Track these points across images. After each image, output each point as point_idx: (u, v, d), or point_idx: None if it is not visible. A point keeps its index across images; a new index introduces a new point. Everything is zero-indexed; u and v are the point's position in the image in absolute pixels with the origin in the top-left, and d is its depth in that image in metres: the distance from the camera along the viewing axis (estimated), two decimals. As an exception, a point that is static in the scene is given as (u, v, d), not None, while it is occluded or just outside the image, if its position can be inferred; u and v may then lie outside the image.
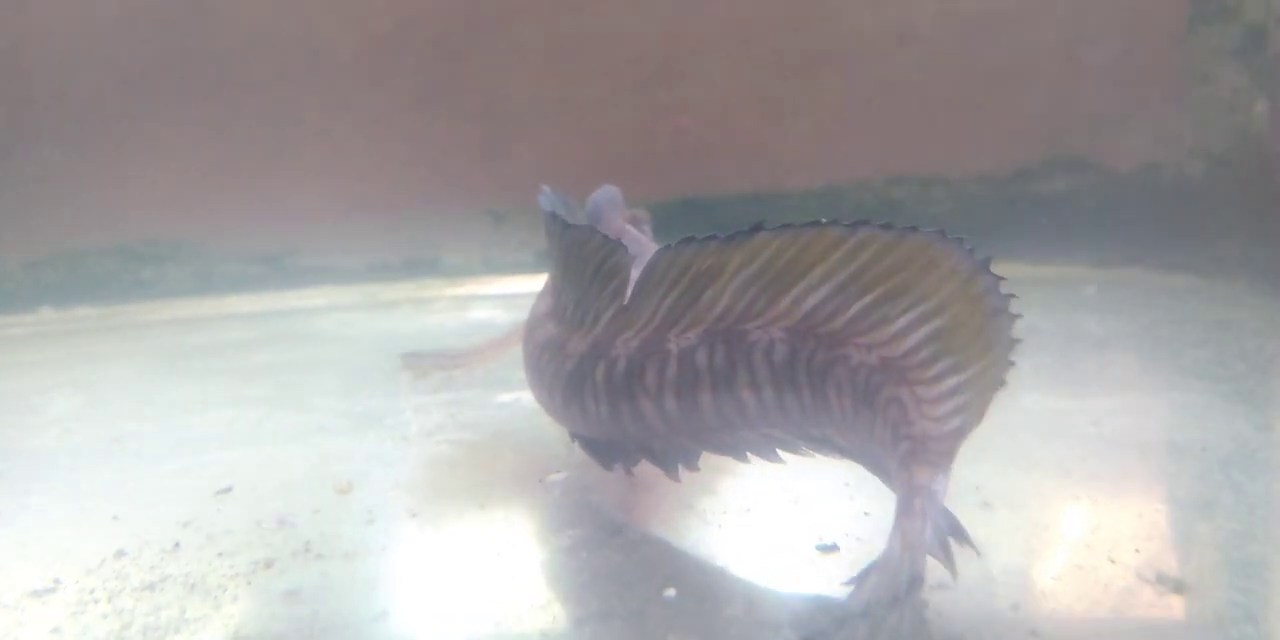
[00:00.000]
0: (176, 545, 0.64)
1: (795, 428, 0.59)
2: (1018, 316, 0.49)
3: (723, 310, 0.57)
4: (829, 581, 0.54)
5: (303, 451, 0.83)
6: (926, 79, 1.57)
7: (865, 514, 0.63)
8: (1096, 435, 0.79)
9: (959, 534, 0.50)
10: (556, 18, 1.59)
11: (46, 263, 1.59)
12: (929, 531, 0.48)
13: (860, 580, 0.49)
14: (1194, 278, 1.42)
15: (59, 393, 1.07)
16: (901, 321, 0.51)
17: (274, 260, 1.63)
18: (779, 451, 0.61)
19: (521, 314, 0.82)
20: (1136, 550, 0.58)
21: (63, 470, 0.82)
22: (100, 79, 1.55)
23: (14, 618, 0.55)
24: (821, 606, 0.52)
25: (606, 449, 0.65)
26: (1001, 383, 0.50)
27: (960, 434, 0.51)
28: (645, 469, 0.65)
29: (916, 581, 0.45)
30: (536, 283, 0.82)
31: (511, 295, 1.45)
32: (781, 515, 0.65)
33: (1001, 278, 0.49)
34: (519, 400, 0.89)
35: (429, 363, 0.97)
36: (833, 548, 0.59)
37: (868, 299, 0.52)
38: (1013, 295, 0.49)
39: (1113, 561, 0.57)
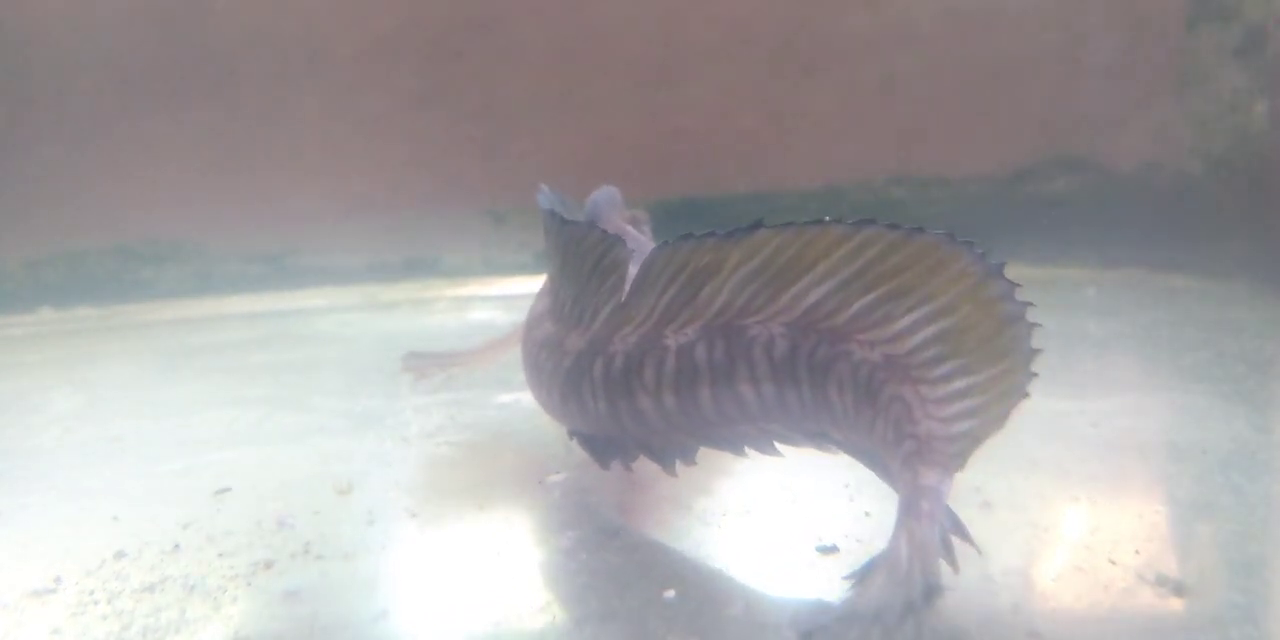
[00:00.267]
0: (176, 546, 0.64)
1: (794, 423, 0.59)
2: (1036, 325, 0.49)
3: (721, 306, 0.57)
4: (829, 583, 0.54)
5: (303, 452, 0.83)
6: (926, 79, 1.58)
7: (866, 514, 0.63)
8: (1096, 436, 0.79)
9: (961, 532, 0.50)
10: (556, 18, 1.59)
11: (46, 263, 1.59)
12: (937, 535, 0.48)
13: (862, 576, 0.49)
14: (1194, 278, 1.42)
15: (59, 392, 1.07)
16: (906, 320, 0.51)
17: (274, 260, 1.63)
18: (777, 445, 0.61)
19: (522, 314, 0.82)
20: (1136, 551, 0.58)
21: (63, 470, 0.82)
22: (100, 79, 1.56)
23: (14, 618, 0.55)
24: (822, 607, 0.52)
25: (605, 446, 0.65)
26: (1023, 392, 0.50)
27: (972, 437, 0.51)
28: (644, 468, 0.65)
29: (933, 591, 0.45)
30: (536, 283, 0.82)
31: (511, 296, 1.45)
32: (781, 516, 0.65)
33: (1017, 284, 0.49)
34: (519, 401, 0.89)
35: (429, 363, 0.97)
36: (832, 549, 0.59)
37: (871, 296, 0.52)
38: (1030, 303, 0.49)
39: (1112, 563, 0.57)
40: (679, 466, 0.63)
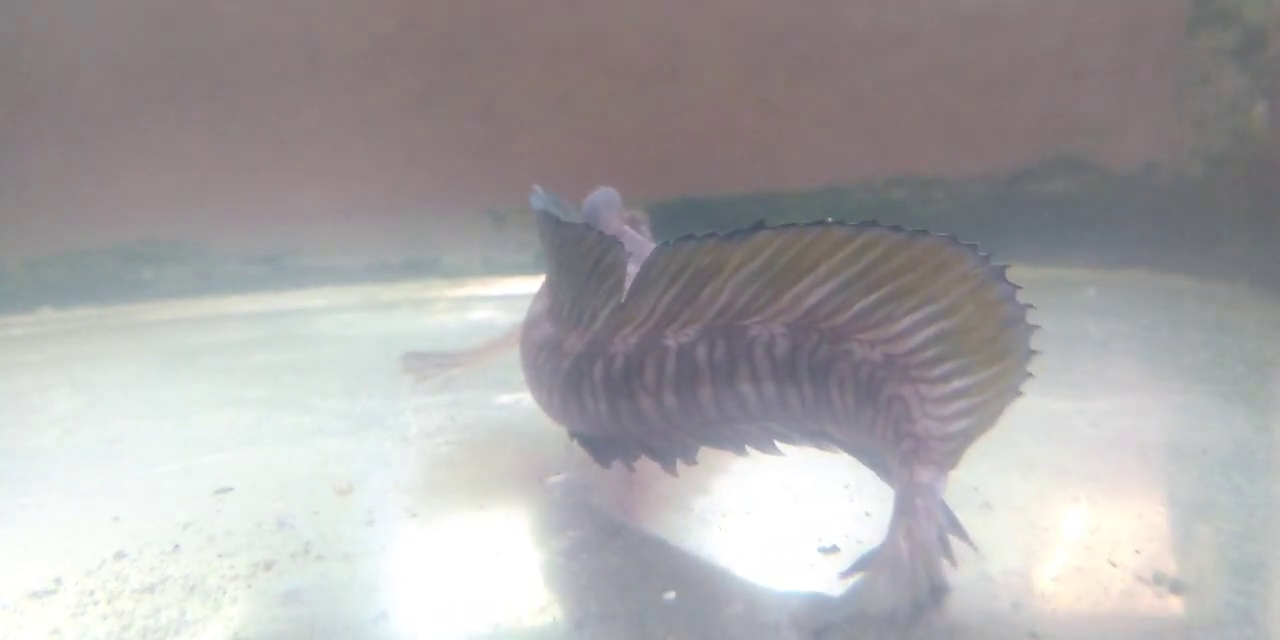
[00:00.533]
0: (176, 547, 0.64)
1: (795, 422, 0.59)
2: (1035, 328, 0.49)
3: (722, 306, 0.57)
4: (829, 583, 0.54)
5: (303, 452, 0.83)
6: (926, 80, 1.58)
7: (866, 514, 0.63)
8: (1096, 437, 0.79)
9: (956, 529, 0.50)
10: (556, 18, 1.59)
11: (46, 263, 1.59)
12: (935, 533, 0.48)
13: (858, 571, 0.49)
14: (1194, 279, 1.42)
15: (59, 393, 1.07)
16: (907, 320, 0.51)
17: (274, 260, 1.63)
18: (777, 444, 0.61)
19: (521, 315, 0.82)
20: (1136, 552, 0.58)
21: (62, 470, 0.82)
22: (100, 79, 1.55)
23: (13, 619, 0.55)
24: (828, 605, 0.52)
25: (605, 447, 0.65)
26: (1017, 392, 0.50)
27: (966, 436, 0.51)
28: (645, 468, 0.65)
29: (940, 589, 0.45)
30: (536, 283, 0.82)
31: (511, 296, 1.45)
32: (782, 517, 0.65)
33: (1018, 287, 0.49)
34: (519, 401, 0.89)
35: (428, 364, 0.97)
36: (833, 550, 0.59)
37: (873, 297, 0.52)
38: (1030, 306, 0.49)
39: (1112, 563, 0.57)
40: (680, 466, 0.64)
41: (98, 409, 1.02)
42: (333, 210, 1.62)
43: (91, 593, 0.58)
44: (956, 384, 0.51)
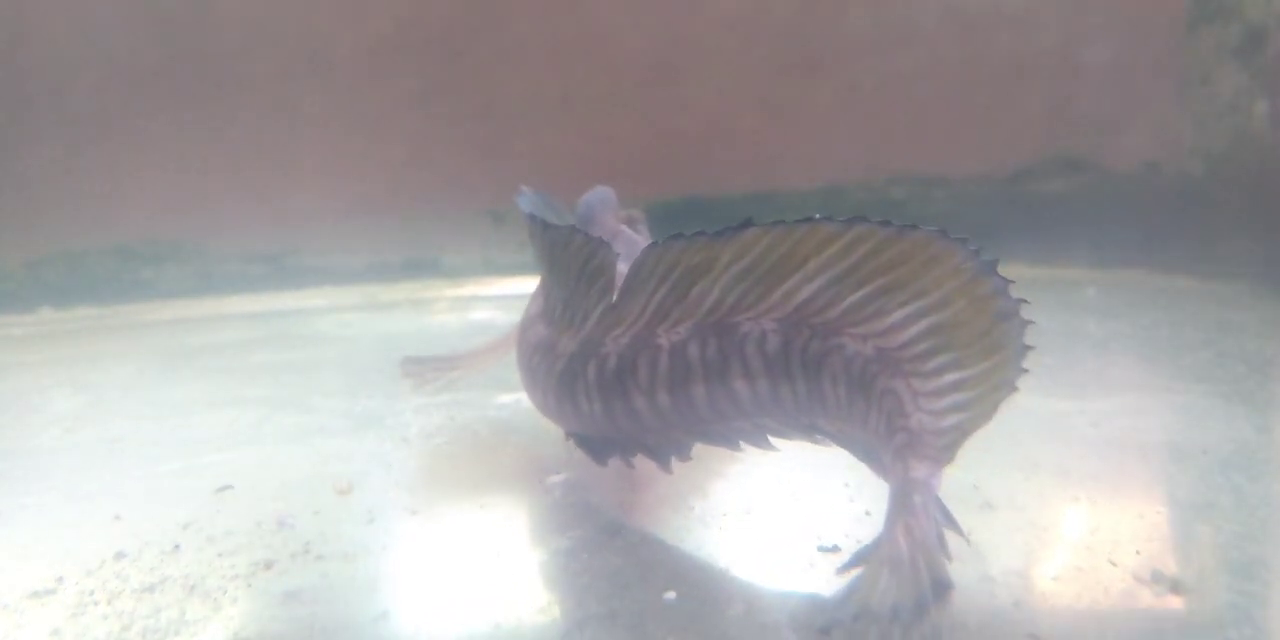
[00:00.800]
0: (176, 546, 0.64)
1: (788, 417, 0.59)
2: (1030, 323, 0.49)
3: (713, 304, 0.57)
4: (830, 583, 0.54)
5: (303, 452, 0.83)
6: (926, 79, 1.58)
7: (866, 514, 0.63)
8: (1096, 436, 0.79)
9: (952, 524, 0.51)
10: (556, 18, 1.59)
11: (47, 262, 1.59)
12: (934, 529, 0.48)
13: (855, 566, 0.49)
14: (1194, 279, 1.42)
15: (59, 392, 1.07)
16: (898, 314, 0.51)
17: (274, 260, 1.63)
18: (771, 439, 0.61)
19: (521, 314, 0.82)
20: (1137, 552, 0.58)
21: (62, 470, 0.82)
22: (100, 79, 1.55)
23: (13, 619, 0.55)
24: (833, 602, 0.52)
25: (601, 446, 0.66)
26: (1012, 387, 0.50)
27: (961, 431, 0.51)
28: (644, 467, 0.65)
29: (943, 586, 0.45)
30: (536, 283, 0.82)
31: (512, 296, 1.45)
32: (782, 516, 0.65)
33: (1011, 281, 0.49)
34: (519, 401, 0.89)
35: (427, 368, 0.97)
36: (834, 549, 0.59)
37: (863, 292, 0.52)
38: (1024, 300, 0.49)
39: (1113, 563, 0.57)
40: (677, 464, 0.64)
41: (98, 409, 1.02)
42: (333, 210, 1.62)
43: (92, 592, 0.58)
44: (949, 378, 0.51)
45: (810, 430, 0.60)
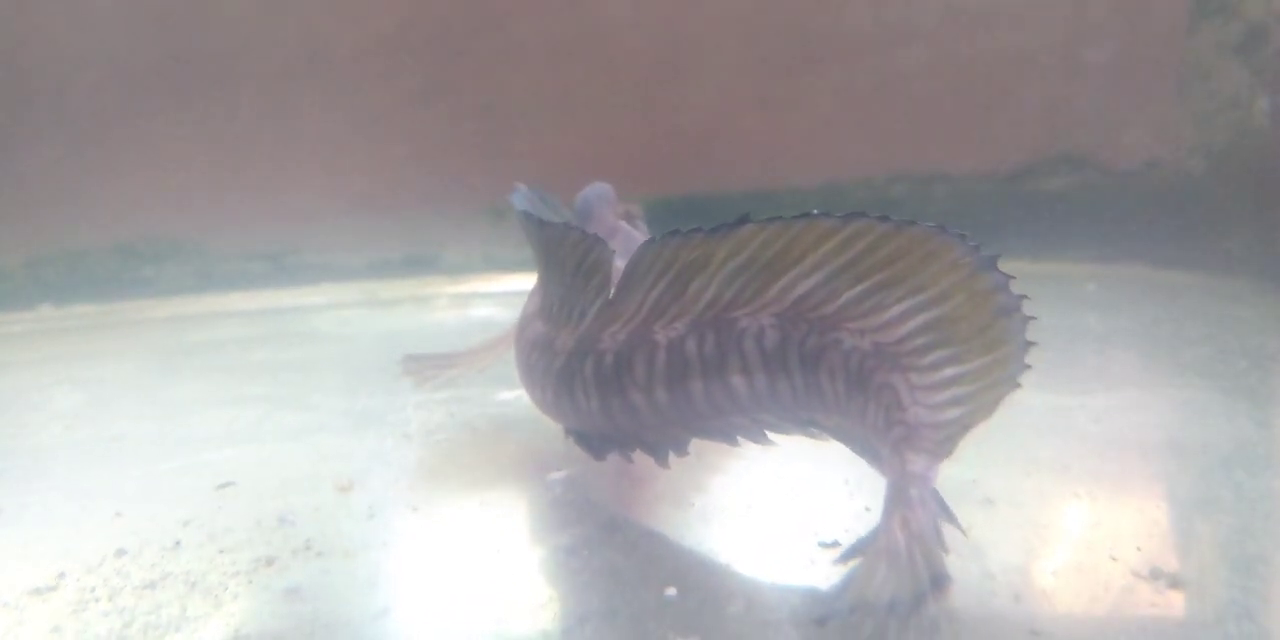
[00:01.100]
0: (177, 543, 0.64)
1: (786, 412, 0.59)
2: (1031, 319, 0.49)
3: (710, 300, 0.57)
4: (829, 579, 0.54)
5: (303, 449, 0.83)
6: (927, 76, 1.57)
7: (866, 510, 0.63)
8: (1097, 432, 0.79)
9: (948, 517, 0.51)
10: (556, 17, 1.59)
11: (47, 260, 1.59)
12: (931, 522, 0.48)
13: (851, 558, 0.49)
14: (1195, 274, 1.42)
15: (59, 390, 1.07)
16: (897, 309, 0.51)
17: (274, 258, 1.63)
18: (769, 434, 0.61)
19: (520, 311, 0.82)
20: (1137, 548, 0.58)
21: (63, 468, 0.82)
22: (100, 79, 1.55)
23: (15, 616, 0.55)
24: (831, 594, 0.52)
25: (600, 442, 0.66)
26: (1015, 383, 0.50)
27: (960, 425, 0.51)
28: (644, 463, 0.65)
29: (941, 580, 0.45)
30: (535, 280, 0.82)
31: (512, 292, 1.45)
32: (781, 512, 0.65)
33: (1011, 276, 0.49)
34: (520, 398, 0.89)
35: (427, 366, 0.97)
36: (834, 545, 0.59)
37: (861, 286, 0.52)
38: (1025, 296, 0.49)
39: (1113, 559, 0.57)
40: (677, 461, 0.64)
41: (98, 406, 1.02)
42: (333, 208, 1.62)
43: (92, 589, 0.58)
44: (948, 372, 0.51)
45: (807, 425, 0.60)
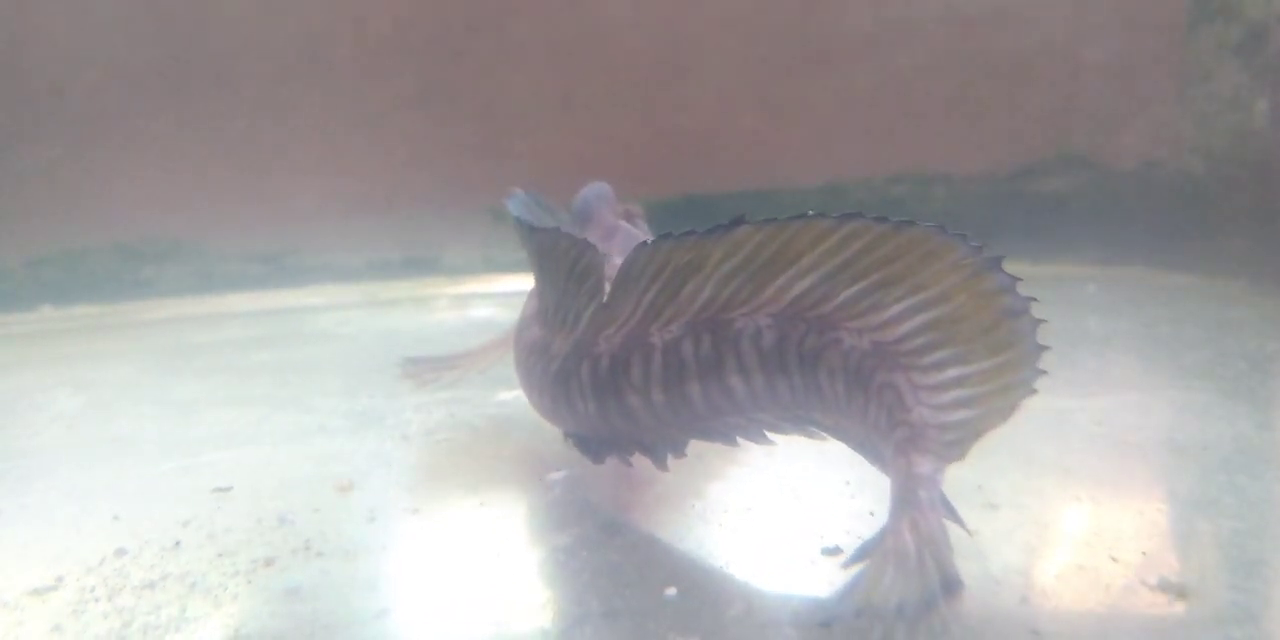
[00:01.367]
0: (177, 544, 0.64)
1: (784, 411, 0.59)
2: (1041, 321, 0.49)
3: (705, 301, 0.57)
4: (831, 581, 0.54)
5: (303, 450, 0.83)
6: (927, 77, 1.58)
7: (870, 514, 0.63)
8: (1098, 434, 0.79)
9: (954, 517, 0.50)
10: (556, 18, 1.59)
11: (47, 261, 1.59)
12: (941, 525, 0.48)
13: (859, 560, 0.49)
14: (1195, 276, 1.42)
15: (59, 391, 1.07)
16: (896, 308, 0.51)
17: (274, 259, 1.63)
18: (767, 433, 0.61)
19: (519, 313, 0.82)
20: (1139, 550, 0.58)
21: (63, 469, 0.82)
22: (100, 78, 1.55)
23: (14, 616, 0.55)
24: (836, 597, 0.52)
25: (598, 445, 0.66)
26: (1030, 389, 0.50)
27: (970, 428, 0.51)
28: (644, 465, 0.65)
29: (953, 583, 0.45)
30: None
31: (512, 293, 1.45)
32: (783, 514, 0.65)
33: (1018, 279, 0.49)
34: (519, 399, 0.89)
35: (426, 368, 0.97)
36: (836, 551, 0.59)
37: (858, 286, 0.52)
38: (1034, 298, 0.49)
39: (1115, 561, 0.57)
40: (678, 462, 0.64)
41: (98, 407, 1.02)
42: (333, 209, 1.62)
43: (92, 589, 0.58)
44: (951, 373, 0.50)
45: (806, 424, 0.60)
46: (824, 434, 0.60)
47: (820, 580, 0.56)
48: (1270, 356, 1.03)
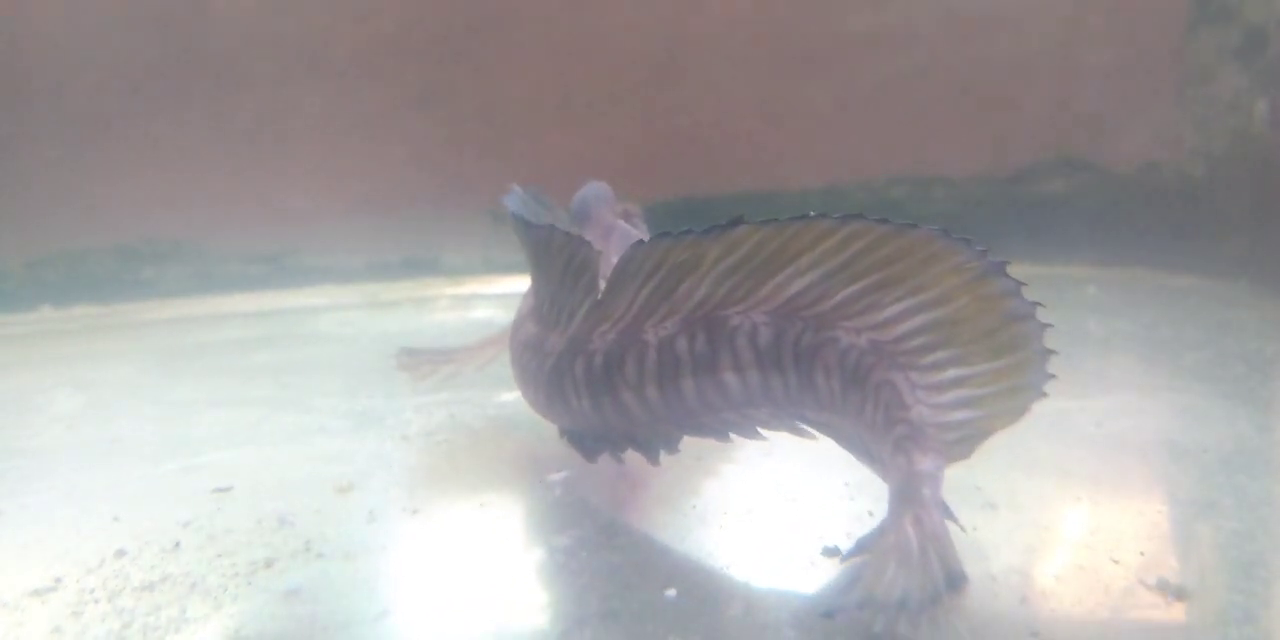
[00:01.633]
0: (177, 545, 0.64)
1: (777, 408, 0.59)
2: (1047, 325, 0.49)
3: (701, 299, 0.57)
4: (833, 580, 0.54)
5: (303, 451, 0.83)
6: (927, 79, 1.58)
7: (869, 514, 0.63)
8: (1098, 435, 0.79)
9: (948, 515, 0.51)
10: (556, 18, 1.59)
11: (47, 262, 1.59)
12: (943, 521, 0.48)
13: (858, 554, 0.49)
14: (1195, 278, 1.42)
15: (59, 392, 1.07)
16: (894, 308, 0.51)
17: (274, 260, 1.63)
18: (760, 430, 0.61)
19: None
20: (1138, 551, 0.58)
21: (63, 470, 0.81)
22: (100, 79, 1.55)
23: (14, 617, 0.55)
24: (839, 589, 0.52)
25: (592, 443, 0.66)
26: (1039, 392, 0.50)
27: (973, 428, 0.51)
28: (642, 466, 0.65)
29: (958, 579, 0.45)
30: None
31: (512, 294, 1.44)
32: (782, 515, 0.65)
33: (1023, 283, 0.49)
34: (519, 399, 0.89)
35: (423, 360, 0.97)
36: (834, 551, 0.59)
37: (857, 285, 0.52)
38: (1039, 303, 0.49)
39: (1114, 562, 0.57)
40: (679, 463, 0.64)
41: (98, 408, 1.02)
42: (333, 210, 1.62)
43: (92, 591, 0.58)
44: (952, 373, 0.51)
45: (799, 420, 0.60)
46: (813, 431, 0.60)
47: (820, 581, 0.56)
48: (1270, 358, 1.03)
